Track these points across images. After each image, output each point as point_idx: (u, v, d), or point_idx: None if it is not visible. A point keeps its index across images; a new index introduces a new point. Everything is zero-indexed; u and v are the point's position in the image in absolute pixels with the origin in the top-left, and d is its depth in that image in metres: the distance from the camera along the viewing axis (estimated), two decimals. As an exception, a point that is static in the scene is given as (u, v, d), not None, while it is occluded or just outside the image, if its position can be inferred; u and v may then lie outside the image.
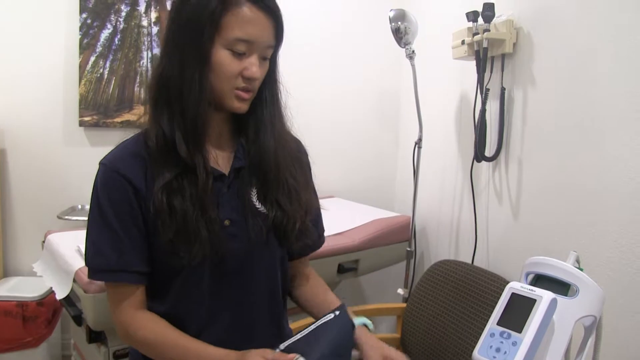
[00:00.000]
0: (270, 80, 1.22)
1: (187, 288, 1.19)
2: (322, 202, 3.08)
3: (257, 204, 1.21)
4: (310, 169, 1.38)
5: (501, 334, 1.04)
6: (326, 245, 2.49)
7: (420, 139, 2.66)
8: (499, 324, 1.06)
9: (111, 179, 1.14)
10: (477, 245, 2.45)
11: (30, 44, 3.17)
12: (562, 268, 1.10)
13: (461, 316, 2.18)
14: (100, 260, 1.15)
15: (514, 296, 1.07)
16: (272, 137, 1.21)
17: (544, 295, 1.03)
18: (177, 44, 1.11)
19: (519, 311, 1.05)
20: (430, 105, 2.82)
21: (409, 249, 2.78)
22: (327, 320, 1.17)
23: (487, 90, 2.27)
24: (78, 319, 2.21)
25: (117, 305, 1.18)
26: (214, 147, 1.21)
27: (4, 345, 2.98)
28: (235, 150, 1.23)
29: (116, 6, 3.15)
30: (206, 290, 1.20)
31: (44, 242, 2.72)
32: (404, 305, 2.51)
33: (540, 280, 1.13)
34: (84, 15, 3.13)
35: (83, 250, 2.09)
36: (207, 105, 1.13)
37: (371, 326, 1.28)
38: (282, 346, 1.09)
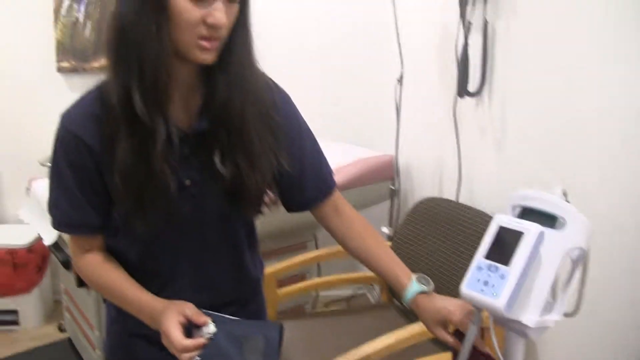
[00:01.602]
0: (240, 25, 1.09)
1: (149, 241, 1.19)
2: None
3: (219, 166, 1.13)
4: (292, 118, 1.29)
5: (489, 267, 1.04)
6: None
7: (401, 76, 2.63)
8: (486, 257, 1.06)
9: (68, 141, 1.11)
10: (461, 182, 2.45)
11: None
12: (549, 200, 1.09)
13: (446, 253, 2.20)
14: (57, 212, 1.18)
15: (501, 229, 1.07)
16: (241, 88, 1.12)
17: (532, 228, 1.03)
18: None
19: (506, 244, 1.05)
20: (411, 41, 2.77)
21: (392, 187, 2.79)
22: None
23: (470, 23, 2.23)
24: (66, 264, 2.27)
25: (74, 254, 1.24)
26: (180, 103, 1.13)
27: (-2, 290, 3.01)
28: (200, 105, 1.15)
29: (88, -55, 3.05)
30: (168, 248, 1.21)
31: (28, 189, 2.72)
32: (389, 243, 2.53)
33: (528, 214, 1.12)
34: (55, -45, 3.03)
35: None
36: (168, 59, 1.03)
37: (428, 289, 1.24)
38: (209, 312, 1.13)
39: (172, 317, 1.08)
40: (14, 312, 3.14)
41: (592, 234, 1.10)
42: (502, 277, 1.01)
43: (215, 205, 1.18)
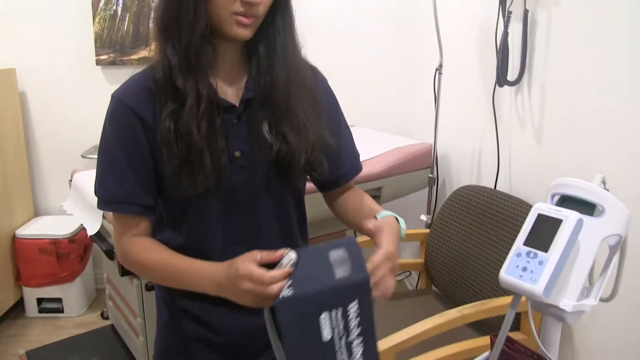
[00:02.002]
0: (282, 6, 1.14)
1: (199, 221, 1.19)
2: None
3: (268, 136, 1.16)
4: (330, 97, 1.33)
5: (527, 253, 1.06)
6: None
7: (440, 65, 2.63)
8: (525, 244, 1.08)
9: (120, 113, 1.13)
10: (500, 170, 2.45)
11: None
12: (587, 188, 1.10)
13: (484, 240, 2.21)
14: (104, 190, 1.16)
15: (540, 217, 1.09)
16: (285, 67, 1.16)
17: (570, 216, 1.04)
18: None
19: (545, 231, 1.06)
20: (451, 31, 2.77)
21: (430, 176, 2.80)
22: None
23: (510, 12, 2.22)
24: (110, 254, 2.28)
25: (119, 235, 1.20)
26: (224, 78, 1.17)
27: (42, 279, 3.14)
28: (246, 81, 1.18)
29: (127, -61, 3.10)
30: (218, 224, 1.19)
31: (70, 181, 2.77)
32: (427, 231, 2.55)
33: (566, 201, 1.13)
34: (95, -49, 3.09)
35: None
36: (201, 33, 1.07)
37: (402, 225, 1.21)
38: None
39: (245, 261, 1.00)
40: (59, 300, 3.23)
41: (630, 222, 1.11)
42: (541, 263, 1.03)
43: (265, 176, 1.19)
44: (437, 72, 2.64)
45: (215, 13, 1.06)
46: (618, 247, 1.14)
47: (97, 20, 3.18)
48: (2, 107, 3.07)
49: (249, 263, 0.99)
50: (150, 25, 3.18)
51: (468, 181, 2.80)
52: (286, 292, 0.95)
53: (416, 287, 3.03)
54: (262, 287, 0.96)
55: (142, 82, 1.14)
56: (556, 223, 1.05)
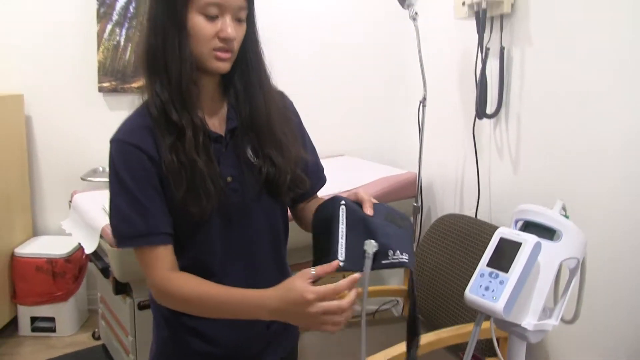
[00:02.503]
0: (250, 41, 1.27)
1: (202, 242, 1.28)
2: (332, 160, 3.24)
3: (252, 159, 1.29)
4: (297, 117, 1.45)
5: (490, 274, 1.16)
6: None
7: (424, 98, 2.75)
8: (488, 265, 1.17)
9: (126, 151, 1.20)
10: (480, 199, 2.57)
11: (49, 13, 3.31)
12: (546, 214, 1.21)
13: (464, 267, 2.31)
14: (127, 226, 1.21)
15: (502, 240, 1.19)
16: (262, 96, 1.29)
17: (529, 239, 1.14)
18: (157, 16, 1.20)
19: (506, 254, 1.16)
20: (434, 65, 2.90)
21: (415, 205, 2.90)
22: (345, 214, 1.20)
23: (487, 49, 2.36)
24: (105, 272, 2.37)
25: (151, 268, 1.22)
26: (209, 111, 1.28)
27: (37, 298, 3.21)
28: (226, 112, 1.31)
29: (130, -26, 3.25)
30: (218, 244, 1.29)
31: (70, 201, 2.88)
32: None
33: (529, 227, 1.24)
34: (100, -15, 3.23)
35: (108, 210, 2.25)
36: (189, 69, 1.19)
37: None
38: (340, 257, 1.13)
39: (304, 284, 1.07)
40: (52, 319, 3.30)
41: (587, 246, 1.21)
42: (502, 282, 1.13)
43: (257, 196, 1.30)
44: (421, 104, 2.76)
45: (197, 50, 1.19)
46: (577, 270, 1.24)
47: (101, 49, 3.32)
48: (9, 131, 3.20)
49: (308, 285, 1.07)
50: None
51: (451, 209, 2.91)
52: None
53: (401, 313, 3.11)
54: (334, 304, 1.06)
55: (139, 121, 1.23)
56: (516, 246, 1.15)
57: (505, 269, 1.14)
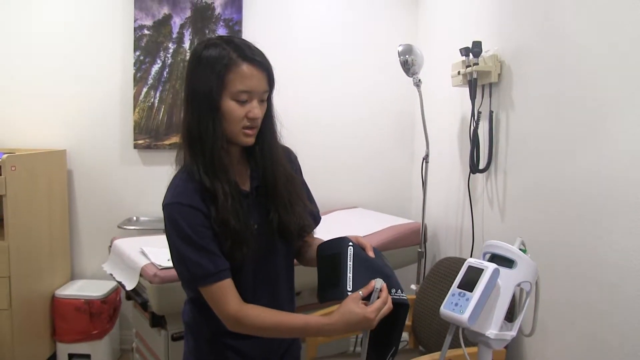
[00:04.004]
0: (268, 117, 1.53)
1: (237, 278, 1.51)
2: (346, 212, 3.58)
3: (269, 212, 1.58)
4: (299, 167, 1.72)
5: (459, 293, 1.46)
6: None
7: (427, 155, 3.08)
8: (458, 287, 1.48)
9: (186, 212, 1.44)
10: (474, 243, 2.86)
11: (91, 78, 3.72)
12: (505, 248, 1.53)
13: (459, 303, 2.58)
14: (200, 270, 1.44)
15: (470, 267, 1.50)
16: (271, 162, 1.55)
17: (489, 266, 1.46)
18: (194, 101, 1.44)
19: (472, 277, 1.47)
20: (435, 127, 3.25)
21: (419, 250, 3.19)
22: (353, 253, 1.53)
23: (479, 113, 2.69)
24: (144, 306, 2.66)
25: (224, 302, 1.46)
26: (237, 172, 1.54)
27: (76, 336, 3.50)
28: (250, 172, 1.57)
29: (164, 44, 3.66)
30: (250, 278, 1.57)
31: (110, 246, 3.19)
32: (414, 296, 2.93)
33: (494, 258, 1.55)
34: (138, 53, 3.65)
35: (147, 252, 2.56)
36: (222, 144, 1.44)
37: None
38: (349, 288, 1.46)
39: (355, 305, 1.41)
40: (87, 356, 3.57)
41: (538, 273, 1.52)
42: (467, 299, 1.43)
43: (273, 241, 1.59)
44: (424, 160, 3.08)
45: (229, 129, 1.46)
46: (531, 291, 1.54)
47: (137, 110, 3.69)
48: (53, 183, 3.55)
49: (364, 307, 1.41)
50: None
51: (452, 253, 3.20)
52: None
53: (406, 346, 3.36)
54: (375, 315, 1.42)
55: (188, 185, 1.47)
56: (479, 271, 1.46)
57: (471, 289, 1.44)
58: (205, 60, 1.43)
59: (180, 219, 1.44)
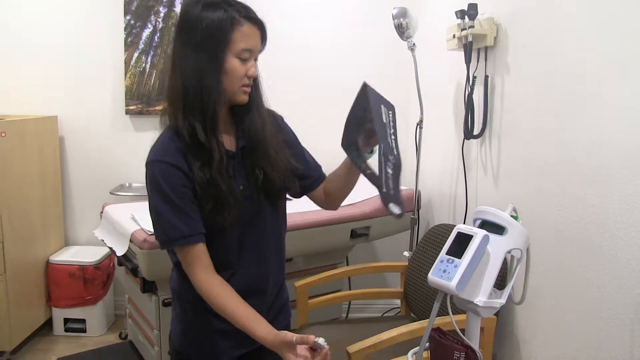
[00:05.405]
0: (256, 77, 1.55)
1: (221, 242, 1.55)
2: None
3: (254, 171, 1.57)
4: (289, 130, 1.74)
5: (447, 260, 1.43)
6: (341, 213, 2.91)
7: (421, 120, 3.05)
8: (447, 253, 1.45)
9: (166, 170, 1.45)
10: (467, 210, 2.85)
11: (82, 44, 3.69)
12: (496, 214, 1.50)
13: (452, 269, 2.57)
14: (173, 231, 1.45)
15: (459, 234, 1.47)
16: (259, 119, 1.56)
17: (479, 232, 1.42)
18: (193, 60, 1.43)
19: (461, 244, 1.44)
20: (430, 92, 3.20)
21: (412, 217, 3.18)
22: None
23: (474, 77, 2.65)
24: (134, 271, 2.66)
25: (193, 268, 1.49)
26: (223, 132, 1.54)
27: (70, 301, 3.53)
28: (236, 132, 1.57)
29: (155, 8, 3.60)
30: (235, 242, 1.58)
31: (101, 212, 3.19)
32: (406, 263, 2.93)
33: (485, 224, 1.52)
34: (128, 17, 3.59)
35: (137, 218, 2.56)
36: (224, 101, 1.47)
37: None
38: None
39: (287, 349, 1.37)
40: (82, 320, 3.63)
41: (529, 240, 1.49)
42: (456, 266, 1.41)
43: (258, 202, 1.60)
44: (418, 126, 3.05)
45: (230, 87, 1.47)
46: (522, 259, 1.52)
47: (128, 75, 3.65)
48: (44, 150, 3.54)
49: (292, 356, 1.37)
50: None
51: (446, 220, 3.19)
52: None
53: (398, 313, 3.37)
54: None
55: (172, 144, 1.47)
56: (469, 238, 1.43)
57: (459, 256, 1.41)
58: (207, 20, 1.42)
59: (160, 177, 1.45)
